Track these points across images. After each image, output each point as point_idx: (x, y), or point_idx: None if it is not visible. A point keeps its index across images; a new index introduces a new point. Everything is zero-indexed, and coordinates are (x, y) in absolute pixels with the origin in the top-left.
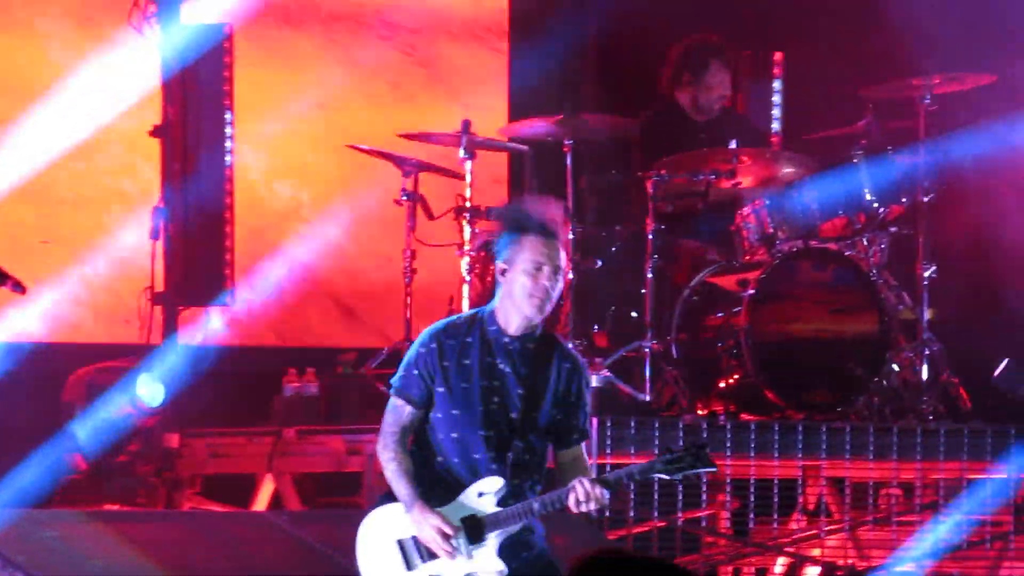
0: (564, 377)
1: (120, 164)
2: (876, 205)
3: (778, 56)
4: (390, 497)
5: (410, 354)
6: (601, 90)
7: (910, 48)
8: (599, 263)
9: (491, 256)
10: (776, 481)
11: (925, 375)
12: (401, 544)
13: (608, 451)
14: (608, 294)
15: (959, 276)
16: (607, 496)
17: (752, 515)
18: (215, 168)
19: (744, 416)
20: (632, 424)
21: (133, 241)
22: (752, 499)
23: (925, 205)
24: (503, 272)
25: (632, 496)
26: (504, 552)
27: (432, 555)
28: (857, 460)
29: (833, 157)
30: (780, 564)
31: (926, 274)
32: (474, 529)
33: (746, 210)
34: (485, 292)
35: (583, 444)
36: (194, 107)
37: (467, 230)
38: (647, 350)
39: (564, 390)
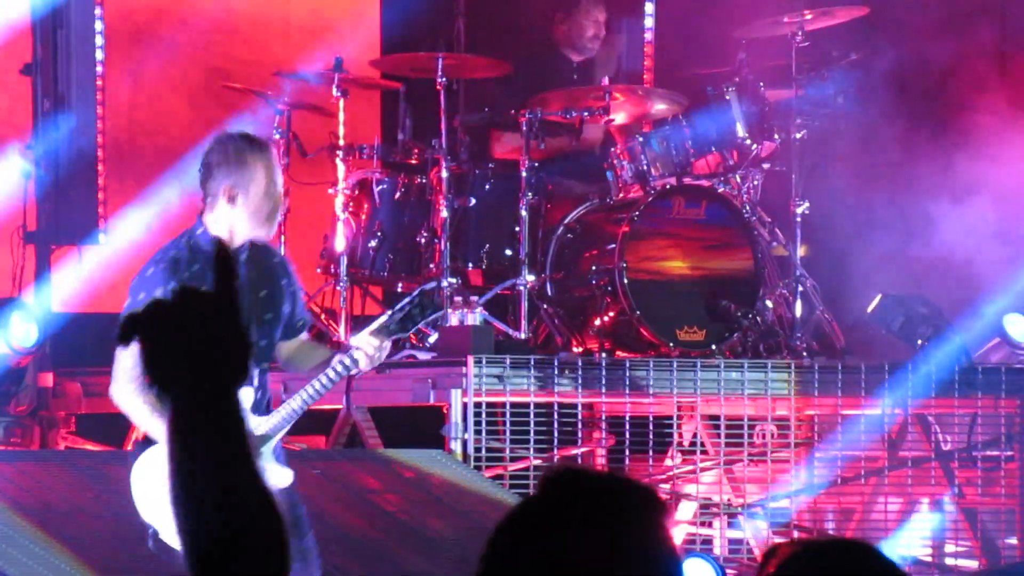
0: (281, 271)
1: None
2: (749, 142)
3: None
4: (148, 443)
5: (142, 299)
6: (473, 27)
7: None
8: (473, 201)
9: (364, 193)
10: (651, 418)
11: (799, 311)
12: None
13: (484, 389)
14: (482, 232)
15: (832, 213)
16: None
17: (627, 452)
18: (86, 106)
19: (619, 353)
20: (507, 362)
21: (4, 180)
22: (627, 436)
23: (797, 142)
24: (232, 198)
25: (507, 433)
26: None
27: None
28: (732, 397)
29: (705, 95)
30: None
31: (799, 210)
32: None
33: (619, 147)
34: (360, 229)
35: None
36: (65, 45)
37: (341, 168)
38: (522, 288)
39: (286, 283)
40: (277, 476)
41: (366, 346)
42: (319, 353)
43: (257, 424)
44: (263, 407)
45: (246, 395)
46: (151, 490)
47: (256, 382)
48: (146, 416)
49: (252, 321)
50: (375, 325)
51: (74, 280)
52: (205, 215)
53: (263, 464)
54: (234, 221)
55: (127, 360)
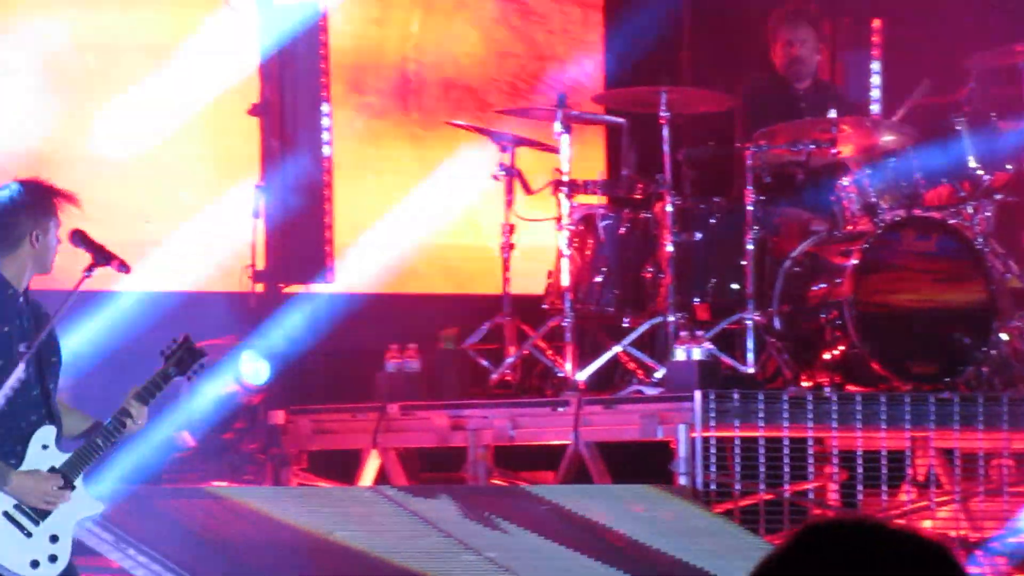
0: (47, 320)
1: (220, 143)
2: (980, 172)
3: (877, 24)
4: None
5: None
6: (697, 60)
7: (1011, 13)
8: (698, 235)
9: (589, 229)
10: (884, 452)
11: None
12: (8, 516)
13: (712, 424)
14: (708, 266)
15: None
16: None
17: (860, 487)
18: (313, 145)
19: (849, 387)
20: (735, 397)
21: (234, 220)
22: (860, 471)
23: None
24: (36, 238)
25: (738, 469)
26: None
27: (43, 515)
28: (967, 430)
29: (935, 125)
30: None
31: None
32: (62, 479)
33: (847, 180)
34: (584, 265)
35: None
36: (291, 85)
37: (565, 204)
38: (749, 322)
39: (55, 332)
40: (90, 506)
41: (134, 411)
42: (76, 417)
43: (64, 459)
44: (63, 444)
45: (49, 432)
46: None
47: (56, 420)
48: None
49: (45, 363)
50: (135, 388)
51: (303, 319)
52: (2, 258)
53: (79, 495)
54: (29, 262)
55: None
